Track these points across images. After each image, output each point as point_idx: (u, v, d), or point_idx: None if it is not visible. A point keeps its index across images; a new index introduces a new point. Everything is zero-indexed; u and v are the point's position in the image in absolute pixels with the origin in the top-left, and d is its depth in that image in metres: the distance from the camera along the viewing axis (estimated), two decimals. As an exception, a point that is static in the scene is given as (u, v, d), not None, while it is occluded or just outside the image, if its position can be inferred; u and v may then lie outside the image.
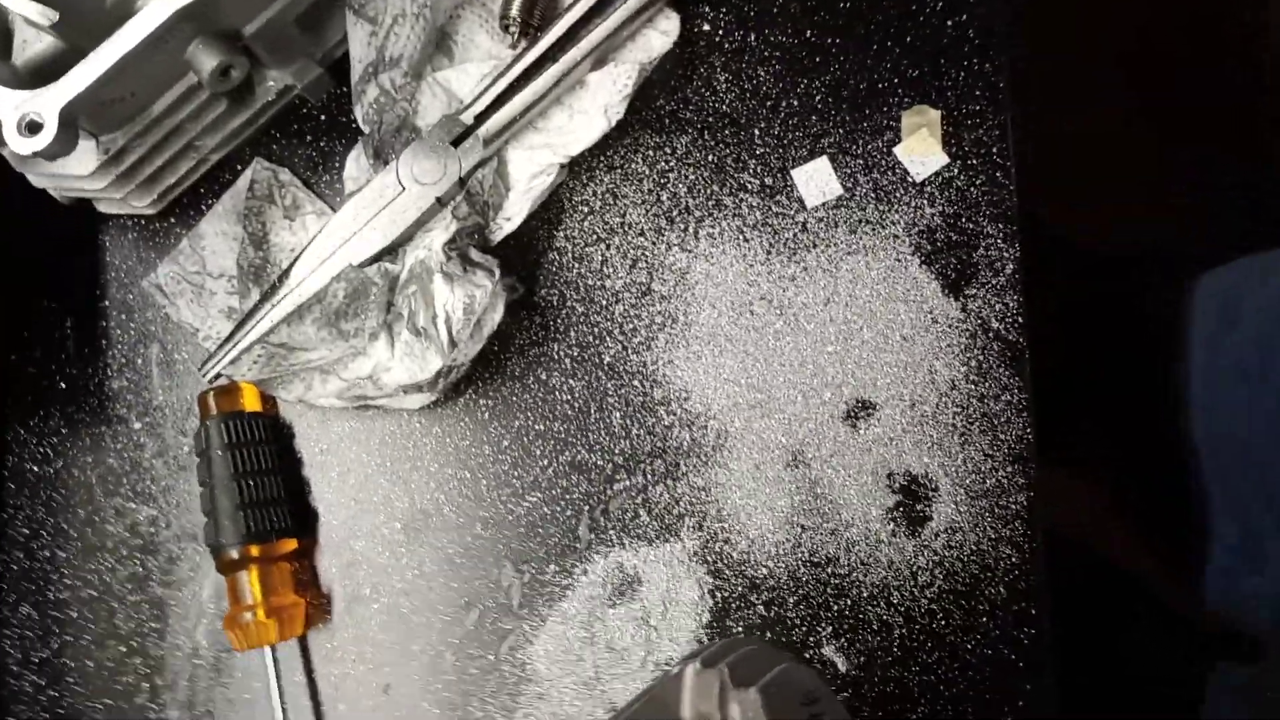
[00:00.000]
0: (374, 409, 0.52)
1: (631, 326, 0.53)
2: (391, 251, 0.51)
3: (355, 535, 0.52)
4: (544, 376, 0.53)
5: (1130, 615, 0.69)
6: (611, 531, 0.52)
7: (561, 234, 0.54)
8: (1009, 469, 0.51)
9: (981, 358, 0.52)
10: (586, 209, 0.54)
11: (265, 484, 0.50)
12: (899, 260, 0.53)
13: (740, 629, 0.51)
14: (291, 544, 0.50)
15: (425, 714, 0.51)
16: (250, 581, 0.49)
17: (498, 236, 0.52)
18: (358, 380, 0.51)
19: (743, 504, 0.52)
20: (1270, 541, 0.58)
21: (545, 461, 0.52)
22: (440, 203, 0.51)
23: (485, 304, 0.50)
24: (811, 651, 0.51)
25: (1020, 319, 0.53)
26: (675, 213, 0.53)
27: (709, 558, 0.51)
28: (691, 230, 0.53)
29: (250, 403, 0.52)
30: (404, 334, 0.50)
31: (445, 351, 0.50)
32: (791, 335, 0.53)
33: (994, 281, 0.53)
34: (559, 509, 0.52)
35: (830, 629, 0.51)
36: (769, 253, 0.53)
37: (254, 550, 0.49)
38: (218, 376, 0.50)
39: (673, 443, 0.52)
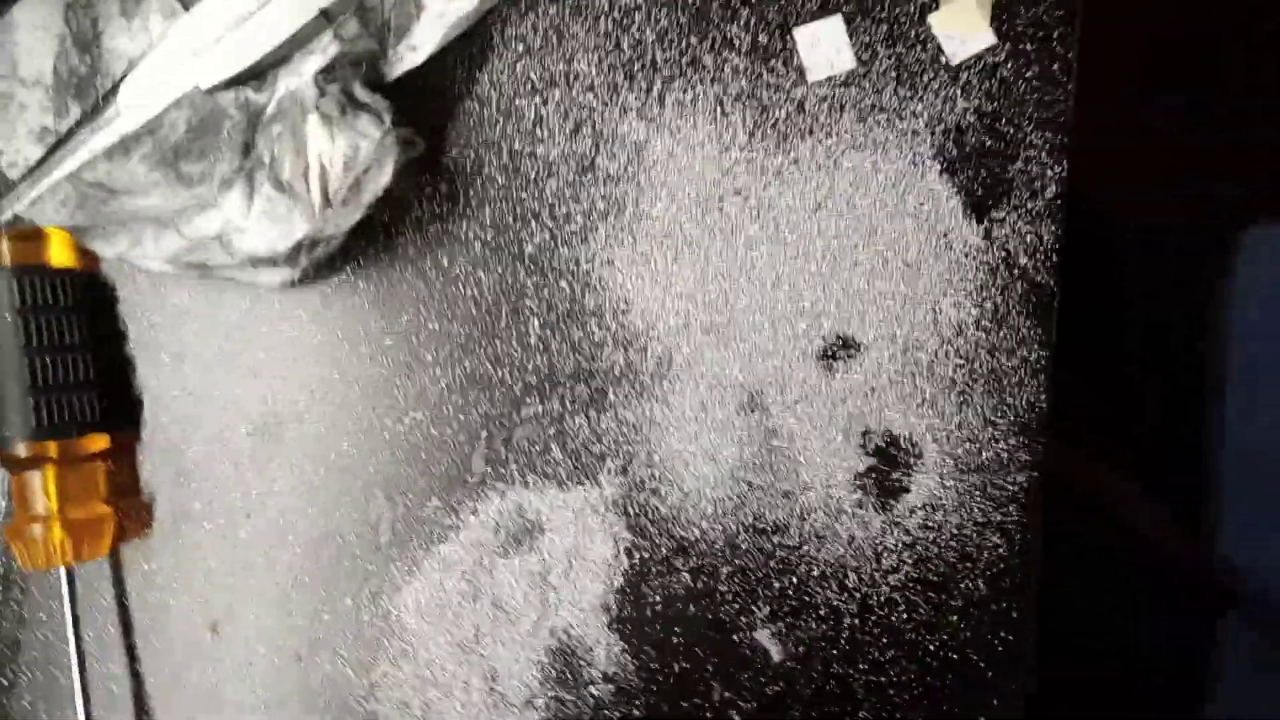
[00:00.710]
0: (222, 280, 0.41)
1: (565, 211, 0.41)
2: (257, 76, 0.39)
3: (189, 438, 0.41)
4: (445, 263, 0.41)
5: (1125, 610, 0.62)
6: (514, 466, 0.41)
7: (485, 78, 0.41)
8: (1011, 441, 0.41)
9: (1000, 300, 0.41)
10: (522, 47, 0.41)
11: (70, 363, 0.39)
12: (915, 164, 0.41)
13: (658, 598, 0.41)
14: (100, 442, 0.39)
15: (260, 661, 0.41)
16: (44, 486, 0.38)
17: (396, 71, 0.39)
18: (201, 241, 0.39)
19: (680, 449, 0.41)
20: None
21: (438, 371, 0.41)
22: (326, 16, 0.38)
23: (370, 159, 0.38)
24: (741, 634, 0.42)
25: (1054, 258, 0.42)
26: (637, 67, 0.41)
27: (631, 510, 0.41)
28: (656, 93, 0.41)
29: (58, 256, 0.40)
30: (265, 187, 0.38)
31: (315, 216, 0.38)
32: (768, 245, 0.41)
33: (1029, 206, 0.41)
34: (450, 432, 0.41)
35: (768, 610, 0.42)
36: (752, 135, 0.41)
37: (50, 449, 0.38)
38: (16, 218, 0.38)
39: (602, 365, 0.41)
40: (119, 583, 0.41)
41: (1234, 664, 0.56)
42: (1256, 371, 0.51)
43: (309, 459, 0.41)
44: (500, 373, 0.41)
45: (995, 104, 0.42)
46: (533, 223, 0.41)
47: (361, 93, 0.38)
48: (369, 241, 0.41)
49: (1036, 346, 0.41)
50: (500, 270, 0.41)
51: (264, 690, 0.41)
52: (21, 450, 0.37)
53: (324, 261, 0.39)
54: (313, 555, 0.41)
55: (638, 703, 0.41)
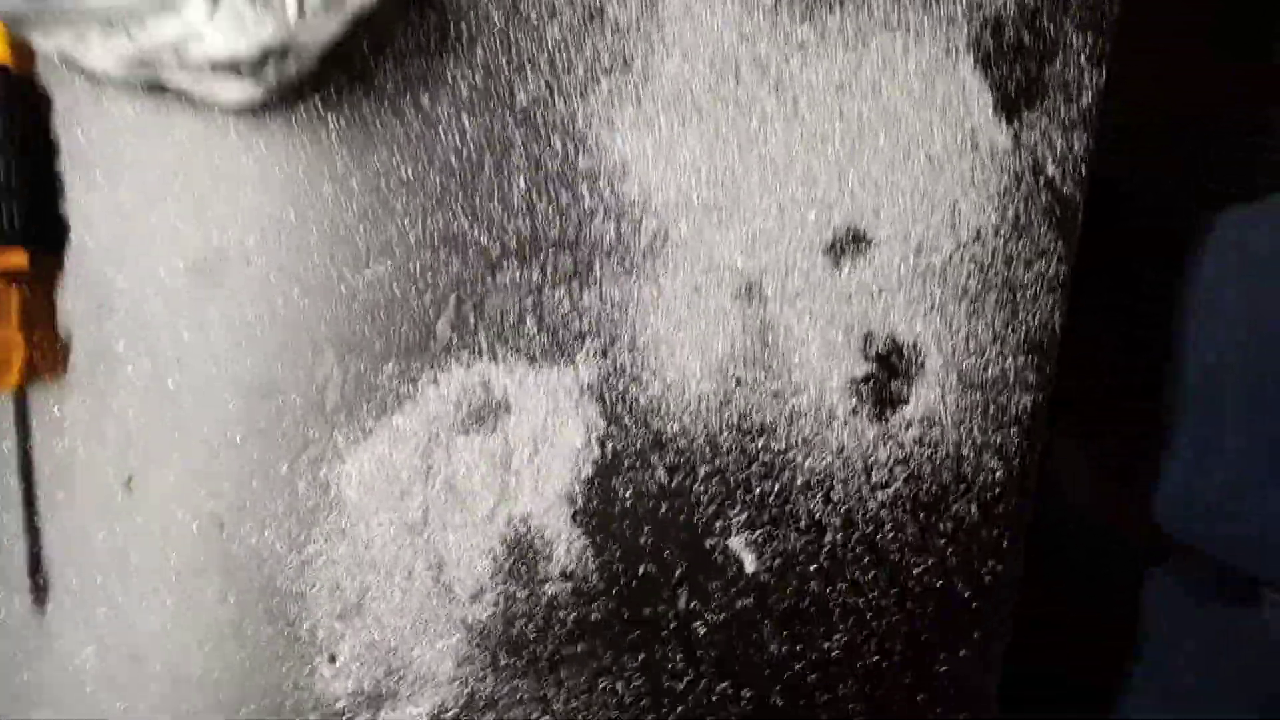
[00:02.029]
0: (173, 95, 0.36)
1: (566, 59, 0.37)
2: None
3: (118, 266, 0.37)
4: (426, 103, 0.37)
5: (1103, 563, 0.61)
6: (482, 336, 0.37)
7: (492, -100, 0.37)
8: (1019, 359, 0.39)
9: (1023, 207, 0.38)
10: (535, -128, 0.37)
11: (-13, 163, 0.34)
12: (949, 53, 0.38)
13: (629, 493, 0.38)
14: (18, 257, 0.35)
15: (176, 525, 0.37)
16: (-57, 297, 0.34)
17: None
18: (156, 48, 0.34)
19: (667, 335, 0.38)
20: (1217, 454, 0.51)
21: (407, 222, 0.37)
22: None
23: (356, -35, 0.34)
24: (714, 540, 0.38)
25: (1084, 169, 0.39)
26: (660, -91, 0.37)
27: (608, 396, 0.38)
28: (677, -57, 0.37)
29: (-15, 43, 0.35)
30: (232, -12, 0.34)
31: (287, 23, 0.33)
32: (783, 122, 0.38)
33: (1063, 112, 0.39)
34: (415, 292, 0.37)
35: (745, 516, 0.38)
36: (778, 1, 0.38)
37: (-46, 254, 0.33)
38: (-59, -7, 0.33)
39: (591, 235, 0.38)
40: (24, 425, 0.37)
41: (1159, 619, 0.55)
42: (1216, 339, 0.50)
43: (252, 305, 0.37)
44: (476, 232, 0.37)
45: (1037, 0, 0.39)
46: (528, 70, 0.37)
47: (352, -113, 0.34)
48: (344, 70, 0.37)
49: (1056, 261, 0.39)
50: (487, 119, 0.37)
51: (178, 558, 0.37)
52: (-80, 253, 0.33)
53: (292, 82, 0.35)
54: (247, 413, 0.37)
55: (596, 605, 0.38)
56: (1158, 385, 0.56)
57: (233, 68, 0.34)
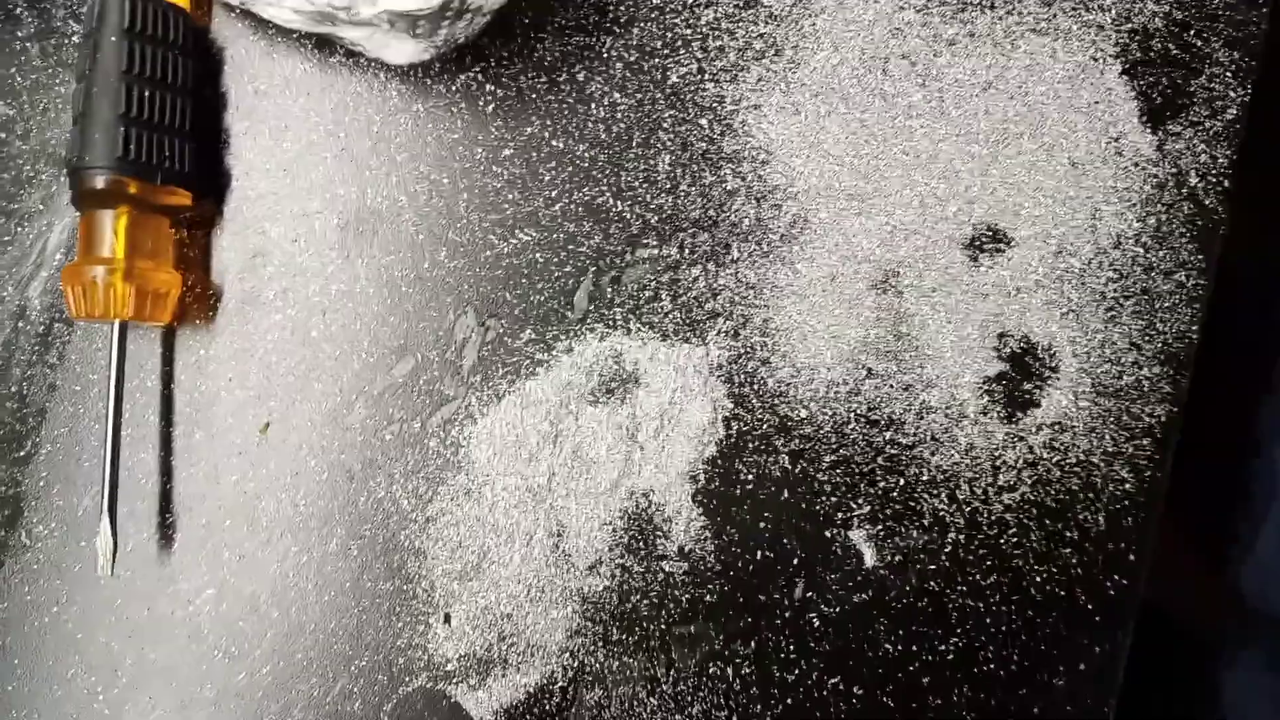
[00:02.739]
0: (343, 53, 0.37)
1: (719, 44, 0.38)
2: None
3: (274, 218, 0.38)
4: (581, 78, 0.38)
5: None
6: (618, 309, 0.38)
7: (660, -112, 0.38)
8: (1156, 369, 0.38)
9: (1165, 216, 0.38)
10: None
11: (167, 104, 0.35)
12: (1096, 59, 0.38)
13: (751, 477, 0.38)
14: (184, 197, 0.36)
15: (308, 472, 0.37)
16: (115, 228, 0.35)
17: None
18: (336, 2, 0.36)
19: (800, 320, 0.38)
20: None
21: (554, 193, 0.38)
22: None
23: (534, -63, 0.35)
24: (834, 531, 0.38)
25: (1227, 182, 0.39)
26: (821, -95, 0.38)
27: (737, 377, 0.38)
28: (834, -61, 0.38)
29: (173, -7, 0.36)
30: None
31: (462, -12, 0.35)
32: (929, 118, 0.38)
33: (1208, 124, 0.39)
34: (557, 260, 0.38)
35: (868, 509, 0.38)
36: None
37: (130, 186, 0.34)
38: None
39: (730, 216, 0.38)
40: (169, 365, 0.38)
41: (1249, 699, 0.52)
42: None
43: (400, 264, 0.38)
44: (620, 206, 0.38)
45: (1187, 13, 0.39)
46: (682, 51, 0.38)
47: None
48: (505, 41, 0.38)
49: (1196, 273, 0.38)
50: (639, 96, 0.38)
51: (306, 506, 0.37)
52: (99, 181, 0.34)
53: (459, 44, 0.36)
54: (385, 367, 0.38)
55: (711, 586, 0.38)
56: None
57: (410, 23, 0.35)
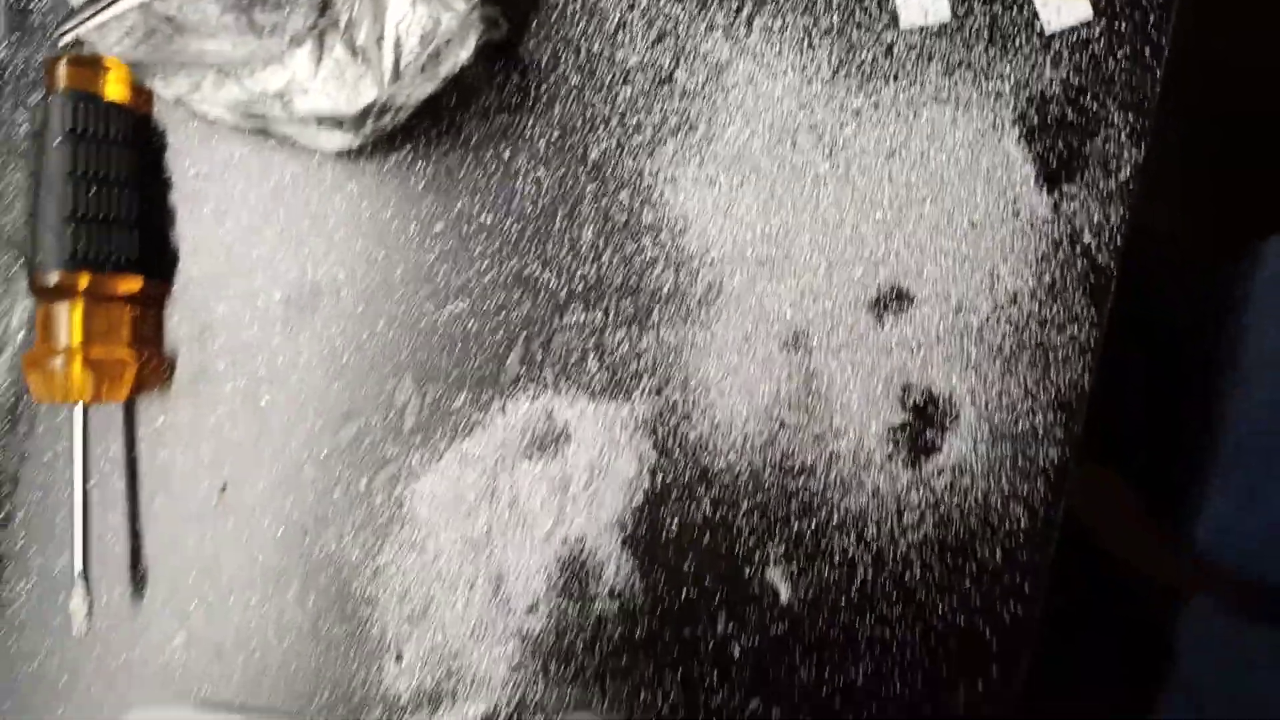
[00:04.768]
0: (277, 139, 0.39)
1: (636, 121, 0.40)
2: (345, -69, 0.37)
3: (221, 295, 0.40)
4: (507, 155, 0.40)
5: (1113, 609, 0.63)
6: (548, 371, 0.41)
7: (576, -29, 0.40)
8: (1049, 416, 0.41)
9: (1059, 274, 0.41)
10: (617, -53, 0.40)
11: (113, 198, 0.37)
12: (995, 126, 0.41)
13: (675, 522, 0.41)
14: (134, 283, 0.38)
15: (263, 532, 0.40)
16: (70, 319, 0.37)
17: (490, -54, 0.38)
18: (264, 96, 0.38)
19: (718, 378, 0.41)
20: (1258, 489, 0.53)
21: (485, 264, 0.40)
22: (424, -120, 0.37)
23: (451, 34, 0.37)
24: (752, 570, 0.41)
25: (1119, 241, 0.41)
26: (731, -17, 0.40)
27: (660, 431, 0.41)
28: (745, 15, 0.40)
29: (114, 88, 0.38)
30: (336, 48, 0.37)
31: (384, 83, 0.37)
32: (835, 186, 0.41)
33: (1102, 185, 0.41)
34: (490, 327, 0.41)
35: (783, 549, 0.41)
36: (836, 72, 0.40)
37: (81, 280, 0.37)
38: (78, 42, 0.36)
39: (651, 283, 0.41)
40: (130, 434, 0.40)
41: (1199, 646, 0.57)
42: (1260, 367, 0.52)
43: (341, 335, 0.40)
44: (547, 276, 0.41)
45: (1082, 78, 0.41)
46: (600, 128, 0.40)
47: (452, -38, 0.37)
48: (434, 122, 0.40)
49: (1088, 326, 0.41)
50: (561, 172, 0.40)
51: (264, 560, 0.40)
52: (53, 278, 0.36)
53: (387, 133, 0.38)
54: (332, 432, 0.40)
55: (641, 624, 0.41)
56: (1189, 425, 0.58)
57: (334, 120, 0.37)
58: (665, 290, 0.41)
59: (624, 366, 0.41)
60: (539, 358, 0.41)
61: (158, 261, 0.40)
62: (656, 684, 0.41)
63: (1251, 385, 0.57)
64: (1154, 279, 0.54)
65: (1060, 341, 0.41)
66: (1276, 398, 0.54)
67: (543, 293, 0.41)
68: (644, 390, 0.41)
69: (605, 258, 0.40)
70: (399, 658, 0.41)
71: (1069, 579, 0.43)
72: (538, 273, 0.40)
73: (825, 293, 0.41)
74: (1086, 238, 0.41)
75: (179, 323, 0.40)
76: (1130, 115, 0.41)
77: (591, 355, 0.41)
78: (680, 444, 0.41)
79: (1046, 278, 0.41)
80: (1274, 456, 0.55)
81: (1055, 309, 0.41)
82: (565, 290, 0.41)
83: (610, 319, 0.41)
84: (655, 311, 0.41)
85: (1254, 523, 0.56)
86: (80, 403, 0.37)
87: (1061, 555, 0.42)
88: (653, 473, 0.41)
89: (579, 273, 0.41)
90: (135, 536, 0.41)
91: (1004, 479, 0.41)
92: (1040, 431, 0.41)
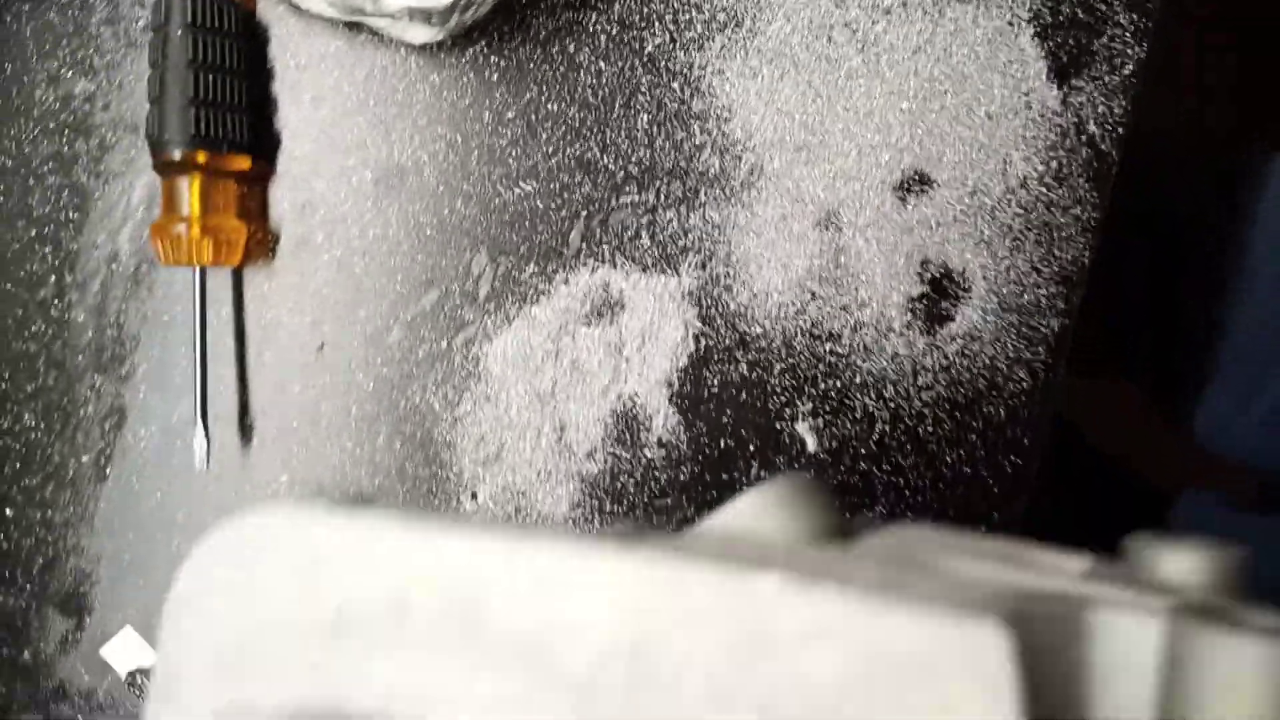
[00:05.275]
0: (368, 33, 0.44)
1: (687, 17, 0.45)
2: None
3: (318, 173, 0.45)
4: (571, 49, 0.45)
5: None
6: (606, 247, 0.46)
7: (635, -121, 0.44)
8: (1052, 289, 0.46)
9: (1065, 160, 0.46)
10: None
11: (226, 85, 0.42)
12: (1012, 24, 0.45)
13: (716, 381, 0.47)
14: (244, 162, 0.43)
15: (357, 385, 0.46)
16: (190, 191, 0.43)
17: None
18: (357, -7, 0.42)
19: (756, 253, 0.46)
20: (1259, 381, 0.58)
21: (550, 149, 0.45)
22: None
23: (527, -66, 0.41)
24: (783, 424, 0.47)
25: (1120, 130, 0.46)
26: (775, -109, 0.44)
27: (704, 301, 0.46)
28: (787, -80, 0.44)
29: (224, -15, 0.43)
30: (423, -52, 0.41)
31: (467, -19, 0.41)
32: (866, 79, 0.45)
33: (1107, 79, 0.45)
34: (554, 206, 0.46)
35: (810, 406, 0.47)
36: (868, -27, 0.44)
37: (200, 157, 0.42)
38: (190, -56, 0.41)
39: (698, 166, 0.45)
40: (239, 297, 0.46)
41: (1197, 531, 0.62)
42: (1265, 260, 0.56)
43: (424, 211, 0.45)
44: (606, 159, 0.45)
45: (1093, -21, 0.45)
46: (656, 24, 0.45)
47: None
48: (505, 20, 0.44)
49: (1090, 208, 0.46)
50: (620, 64, 0.45)
51: (358, 410, 0.46)
52: (176, 154, 0.41)
53: (466, 28, 0.43)
54: (416, 297, 0.46)
55: (684, 469, 0.47)
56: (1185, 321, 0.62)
57: (425, 16, 0.42)
58: (711, 173, 0.45)
59: (673, 243, 0.46)
60: (598, 234, 0.46)
61: (264, 143, 0.45)
62: (697, 521, 0.47)
63: (1257, 279, 0.61)
64: (1160, 172, 0.58)
65: (1064, 222, 0.46)
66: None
67: (601, 175, 0.45)
68: (690, 265, 0.46)
69: (658, 143, 0.45)
70: (474, 496, 0.47)
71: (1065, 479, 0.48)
72: (597, 157, 0.45)
73: (855, 176, 0.45)
74: (1091, 128, 0.45)
75: (282, 200, 0.46)
76: (1135, 15, 0.45)
77: (645, 232, 0.46)
78: (721, 313, 0.46)
79: (1054, 163, 0.46)
80: (1275, 352, 0.59)
81: (1061, 192, 0.46)
82: (622, 173, 0.45)
83: (661, 199, 0.46)
84: (702, 193, 0.46)
85: (1254, 416, 0.60)
86: (199, 266, 0.43)
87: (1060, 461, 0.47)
88: (697, 338, 0.46)
89: (634, 157, 0.45)
90: (244, 389, 0.46)
91: (1010, 345, 0.46)
92: (1044, 303, 0.46)
